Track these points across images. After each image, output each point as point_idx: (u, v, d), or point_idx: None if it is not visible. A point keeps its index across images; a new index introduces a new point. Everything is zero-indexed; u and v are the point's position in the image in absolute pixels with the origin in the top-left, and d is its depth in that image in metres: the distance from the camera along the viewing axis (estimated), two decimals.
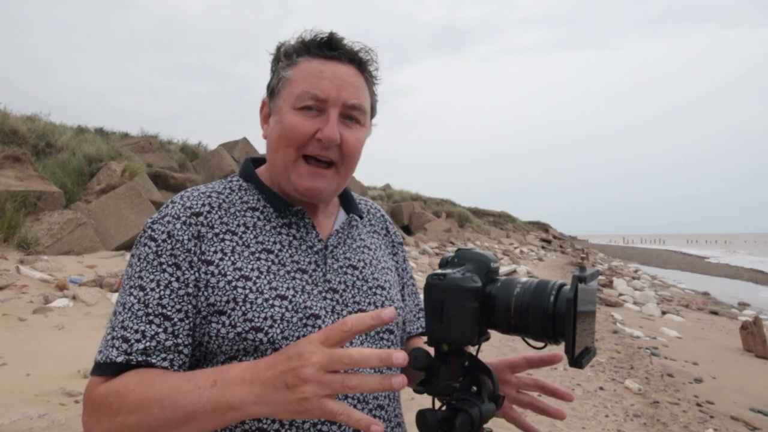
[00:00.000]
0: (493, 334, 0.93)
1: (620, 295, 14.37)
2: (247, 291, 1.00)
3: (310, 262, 1.09)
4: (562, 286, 0.85)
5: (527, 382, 1.07)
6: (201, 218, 1.05)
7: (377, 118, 1.18)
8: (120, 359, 0.93)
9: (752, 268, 33.00)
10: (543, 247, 36.47)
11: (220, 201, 1.09)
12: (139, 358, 0.94)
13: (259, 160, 1.22)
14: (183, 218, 1.03)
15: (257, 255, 1.05)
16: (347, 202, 1.24)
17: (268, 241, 1.07)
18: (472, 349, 0.94)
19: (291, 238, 1.10)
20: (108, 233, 9.82)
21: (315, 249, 1.11)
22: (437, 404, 0.92)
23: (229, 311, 0.98)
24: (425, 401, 0.94)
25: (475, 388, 0.91)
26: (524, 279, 0.89)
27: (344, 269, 1.13)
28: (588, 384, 5.74)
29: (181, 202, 1.06)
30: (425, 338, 0.93)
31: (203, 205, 1.07)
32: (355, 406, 1.02)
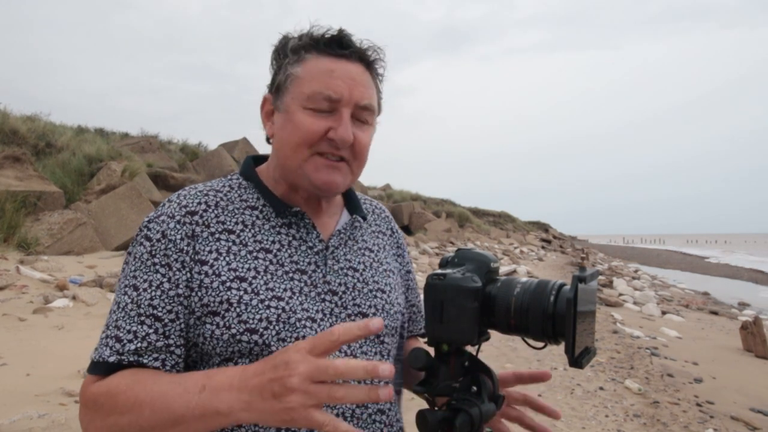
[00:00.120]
0: (493, 334, 0.93)
1: (620, 295, 14.36)
2: (242, 292, 0.98)
3: (309, 263, 1.07)
4: (562, 286, 0.85)
5: (516, 397, 1.07)
6: (196, 217, 1.03)
7: (379, 117, 1.17)
8: (112, 359, 0.93)
9: (752, 268, 32.98)
10: (543, 247, 36.46)
11: (218, 199, 1.07)
12: (131, 359, 0.94)
13: (261, 158, 1.20)
14: (177, 217, 1.02)
15: (255, 254, 1.03)
16: (351, 202, 1.21)
17: (267, 240, 1.05)
18: (472, 349, 0.94)
19: (290, 238, 1.07)
20: (108, 233, 9.82)
21: (315, 249, 1.08)
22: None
23: (222, 312, 0.97)
24: (425, 401, 0.94)
25: (475, 388, 0.91)
26: (524, 279, 0.89)
27: (345, 271, 1.10)
28: (588, 384, 5.73)
29: (177, 201, 1.05)
30: (424, 339, 0.93)
31: (199, 203, 1.05)
32: (355, 411, 1.01)
